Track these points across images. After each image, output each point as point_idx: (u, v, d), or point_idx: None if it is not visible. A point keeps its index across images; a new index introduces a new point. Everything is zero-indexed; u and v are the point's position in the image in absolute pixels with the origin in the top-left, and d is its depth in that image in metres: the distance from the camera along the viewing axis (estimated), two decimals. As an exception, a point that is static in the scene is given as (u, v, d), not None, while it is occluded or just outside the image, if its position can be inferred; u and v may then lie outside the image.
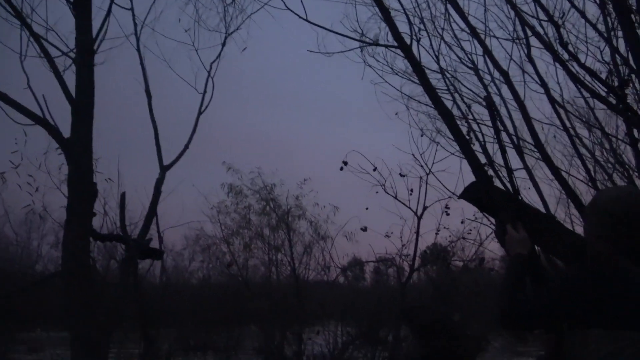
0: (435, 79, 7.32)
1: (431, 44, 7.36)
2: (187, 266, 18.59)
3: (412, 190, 10.49)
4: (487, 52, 6.90)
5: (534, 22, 6.21)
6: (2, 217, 17.85)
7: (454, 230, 11.44)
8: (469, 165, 4.72)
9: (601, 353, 1.62)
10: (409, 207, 10.69)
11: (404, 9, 6.18)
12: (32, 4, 7.91)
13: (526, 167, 7.32)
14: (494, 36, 7.18)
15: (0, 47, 7.75)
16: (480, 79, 7.65)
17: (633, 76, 5.66)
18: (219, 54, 10.22)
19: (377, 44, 6.97)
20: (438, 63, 7.47)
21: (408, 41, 5.48)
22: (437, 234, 11.13)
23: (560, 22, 5.64)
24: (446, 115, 4.86)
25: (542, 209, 7.24)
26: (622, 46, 5.51)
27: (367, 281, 17.21)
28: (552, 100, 6.87)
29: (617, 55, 6.03)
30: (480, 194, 2.27)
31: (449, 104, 7.03)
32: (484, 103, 7.74)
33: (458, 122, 5.46)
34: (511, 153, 7.34)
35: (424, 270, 13.35)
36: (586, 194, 8.42)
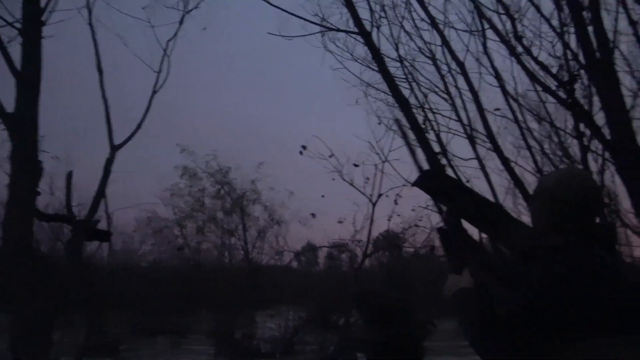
0: (394, 67, 7.35)
1: (391, 32, 7.41)
2: (138, 249, 18.27)
3: (368, 178, 10.60)
4: (445, 42, 6.99)
5: (492, 15, 6.33)
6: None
7: (407, 218, 11.66)
8: (423, 154, 4.80)
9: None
10: (364, 194, 10.82)
11: (365, -4, 6.17)
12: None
13: (478, 157, 7.50)
14: (453, 27, 7.27)
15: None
16: (438, 69, 7.75)
17: (582, 72, 5.86)
18: (176, 32, 9.99)
19: (337, 30, 6.93)
20: (397, 51, 7.52)
21: (369, 28, 5.49)
22: (389, 220, 11.31)
23: (516, 16, 5.77)
24: (403, 104, 4.92)
25: (492, 198, 7.45)
26: (573, 42, 5.69)
27: (320, 266, 17.34)
28: (505, 93, 7.04)
29: (568, 51, 6.22)
30: (433, 181, 2.28)
31: (406, 92, 7.09)
32: (441, 93, 7.87)
33: (414, 111, 5.54)
34: (464, 143, 7.52)
35: (377, 256, 13.56)
36: (533, 185, 8.72)
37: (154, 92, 9.57)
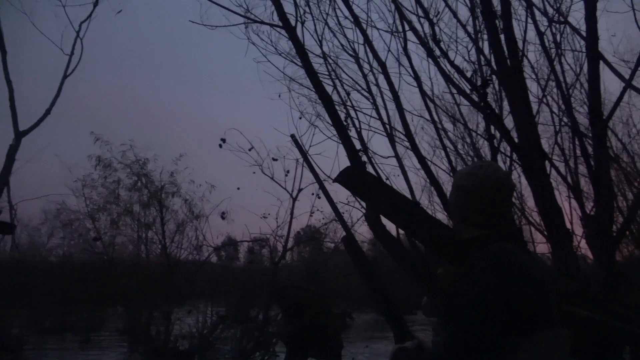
0: (317, 64, 7.44)
1: (315, 29, 7.47)
2: (45, 242, 17.28)
3: (288, 172, 10.66)
4: (367, 41, 7.15)
5: (413, 17, 6.54)
6: None
7: (327, 213, 11.82)
8: (345, 150, 4.88)
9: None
10: (285, 189, 10.86)
11: (290, -11, 6.17)
12: None
13: (397, 156, 7.73)
14: (375, 27, 7.46)
15: None
16: (360, 67, 7.93)
17: (494, 77, 6.21)
18: (90, 14, 9.53)
19: (262, 22, 6.89)
20: (321, 48, 7.60)
21: (293, 23, 5.49)
22: (311, 215, 11.45)
23: (435, 20, 6.00)
24: (326, 100, 4.97)
25: (409, 196, 7.72)
26: (487, 48, 6.00)
27: (241, 261, 17.20)
28: (423, 94, 7.31)
29: (481, 56, 6.56)
30: (354, 178, 2.32)
31: (329, 89, 7.18)
32: (362, 92, 8.04)
33: (337, 108, 5.61)
34: (384, 141, 7.75)
35: (297, 251, 13.65)
36: (447, 183, 9.16)
37: (65, 75, 9.05)
